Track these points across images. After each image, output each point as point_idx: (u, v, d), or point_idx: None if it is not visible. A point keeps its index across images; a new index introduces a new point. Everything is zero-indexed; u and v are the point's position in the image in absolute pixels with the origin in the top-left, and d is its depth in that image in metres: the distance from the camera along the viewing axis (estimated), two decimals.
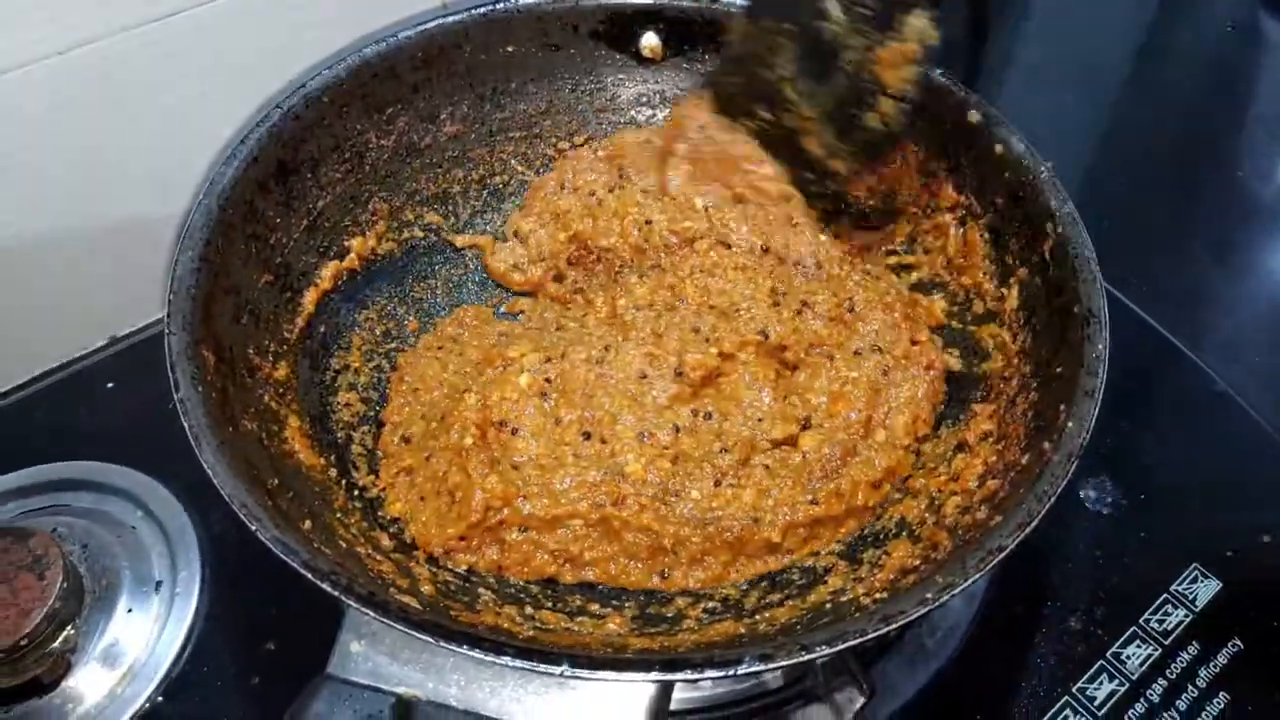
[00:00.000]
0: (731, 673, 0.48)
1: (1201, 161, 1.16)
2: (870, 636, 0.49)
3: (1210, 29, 1.34)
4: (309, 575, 0.50)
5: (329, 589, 0.49)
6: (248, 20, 0.81)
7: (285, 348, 0.72)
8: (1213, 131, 1.21)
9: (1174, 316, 0.93)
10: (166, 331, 0.60)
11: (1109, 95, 1.25)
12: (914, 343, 0.76)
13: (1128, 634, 0.74)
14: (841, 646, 0.49)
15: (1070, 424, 0.58)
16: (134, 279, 0.89)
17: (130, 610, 0.72)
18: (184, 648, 0.71)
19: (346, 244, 0.79)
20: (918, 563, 0.61)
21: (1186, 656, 0.73)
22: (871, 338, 0.75)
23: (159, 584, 0.74)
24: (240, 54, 0.83)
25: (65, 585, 0.67)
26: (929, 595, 0.51)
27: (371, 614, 0.49)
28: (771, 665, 0.48)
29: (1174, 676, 0.72)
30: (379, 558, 0.62)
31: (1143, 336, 0.91)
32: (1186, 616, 0.74)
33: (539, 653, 0.48)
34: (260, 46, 0.83)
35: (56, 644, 0.68)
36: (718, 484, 0.68)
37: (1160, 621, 0.74)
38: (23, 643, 0.65)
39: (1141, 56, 1.31)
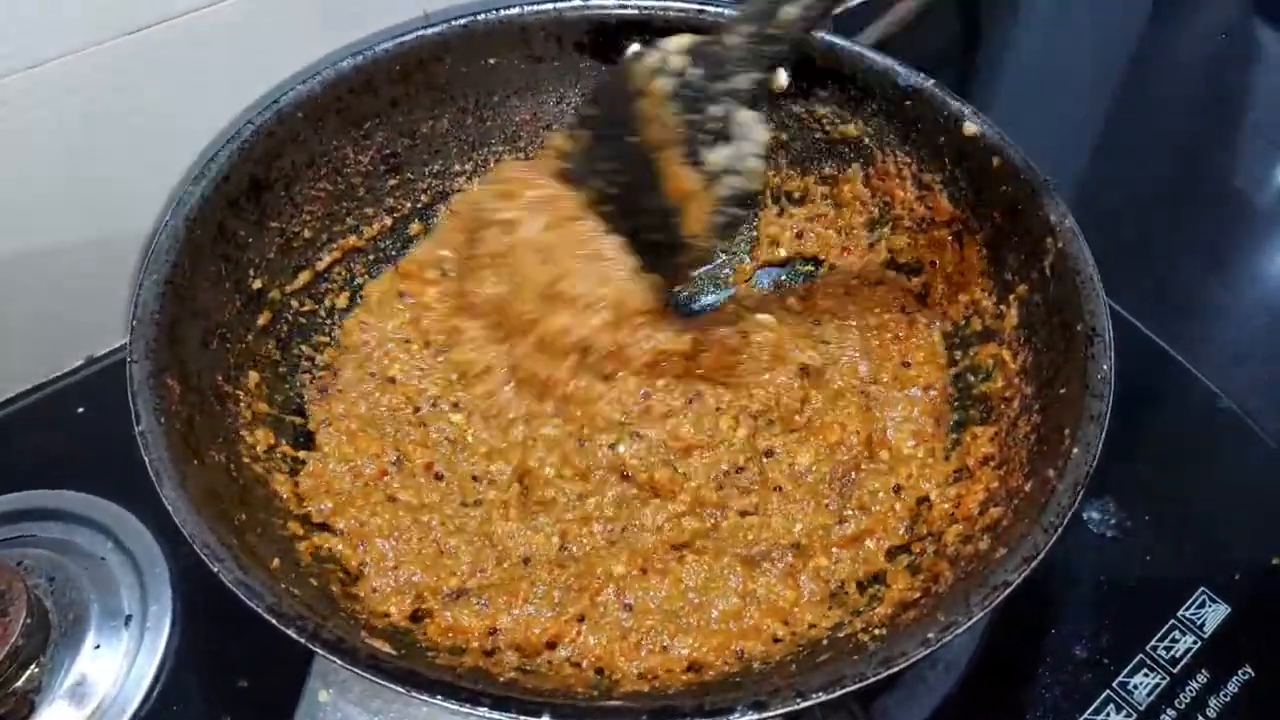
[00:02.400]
0: None
1: (1196, 170, 1.14)
2: (869, 681, 0.47)
3: (1204, 37, 1.33)
4: (273, 620, 0.47)
5: (294, 635, 0.47)
6: (225, 34, 0.78)
7: (258, 373, 0.69)
8: (1208, 140, 1.19)
9: (1172, 328, 0.91)
10: (129, 359, 0.57)
11: (1102, 103, 1.23)
12: (905, 364, 0.74)
13: (1135, 662, 0.71)
14: (839, 692, 0.46)
15: (1075, 450, 0.56)
16: (112, 298, 0.86)
17: (98, 646, 0.69)
18: (154, 685, 0.68)
19: (323, 263, 0.77)
20: (918, 595, 0.59)
21: (1196, 685, 0.70)
22: (848, 375, 0.73)
23: (129, 618, 0.71)
24: (220, 68, 0.80)
25: (29, 622, 0.64)
26: (930, 635, 0.49)
27: (339, 662, 0.46)
28: (765, 714, 0.46)
29: (1183, 706, 0.69)
30: (353, 592, 0.59)
31: (1141, 349, 0.88)
32: (1195, 643, 0.72)
33: (518, 701, 0.45)
34: (240, 60, 0.80)
35: (20, 683, 0.65)
36: (744, 515, 0.67)
37: (1168, 649, 0.72)
38: None
39: (1135, 64, 1.29)
